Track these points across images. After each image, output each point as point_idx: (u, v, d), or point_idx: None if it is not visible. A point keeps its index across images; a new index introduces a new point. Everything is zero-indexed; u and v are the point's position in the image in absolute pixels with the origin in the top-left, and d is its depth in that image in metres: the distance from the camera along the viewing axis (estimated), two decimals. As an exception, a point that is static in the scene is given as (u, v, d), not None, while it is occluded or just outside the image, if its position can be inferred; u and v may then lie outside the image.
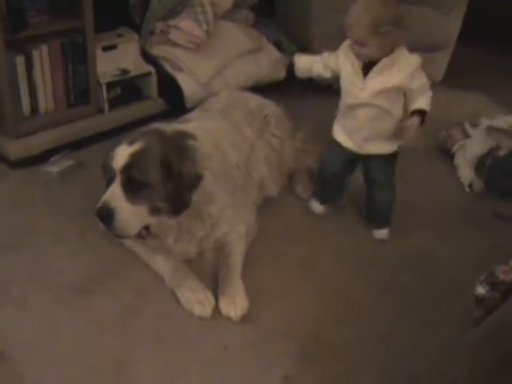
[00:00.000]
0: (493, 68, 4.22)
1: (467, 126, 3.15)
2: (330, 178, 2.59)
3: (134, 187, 2.09)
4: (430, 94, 2.30)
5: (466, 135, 3.11)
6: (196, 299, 2.14)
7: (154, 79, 3.24)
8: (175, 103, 3.24)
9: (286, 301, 2.22)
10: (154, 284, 2.24)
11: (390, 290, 2.30)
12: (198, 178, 2.17)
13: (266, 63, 3.50)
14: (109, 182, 2.13)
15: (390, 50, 2.27)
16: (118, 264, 2.32)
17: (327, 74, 2.46)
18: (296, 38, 3.75)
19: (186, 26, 3.23)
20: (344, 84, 2.39)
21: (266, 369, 1.96)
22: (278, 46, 3.64)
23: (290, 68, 2.54)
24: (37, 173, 2.84)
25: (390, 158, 2.46)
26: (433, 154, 3.20)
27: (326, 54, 2.45)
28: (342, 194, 2.69)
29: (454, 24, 3.82)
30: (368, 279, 2.34)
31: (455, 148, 3.10)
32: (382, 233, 2.57)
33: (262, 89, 3.20)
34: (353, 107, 2.38)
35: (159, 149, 2.12)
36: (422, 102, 2.27)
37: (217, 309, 2.13)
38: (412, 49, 2.31)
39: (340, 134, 2.47)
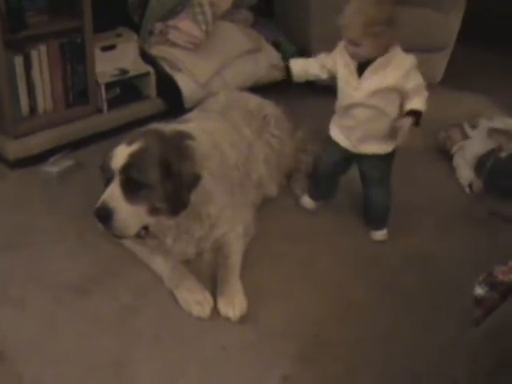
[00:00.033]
0: (492, 68, 4.21)
1: (466, 127, 3.14)
2: (325, 176, 2.60)
3: (132, 187, 2.08)
4: (425, 94, 2.28)
5: (465, 136, 3.10)
6: (194, 299, 2.14)
7: (152, 79, 3.23)
8: (174, 103, 3.24)
9: (285, 301, 2.21)
10: (153, 284, 2.24)
11: (389, 290, 2.30)
12: (197, 178, 2.17)
13: (265, 63, 3.49)
14: (107, 182, 2.13)
15: (384, 50, 2.26)
16: (116, 264, 2.32)
17: (324, 76, 2.46)
18: (295, 38, 3.75)
19: (184, 27, 3.23)
20: (340, 84, 2.39)
21: (266, 369, 1.95)
22: (277, 46, 3.63)
23: (287, 70, 2.54)
24: (35, 173, 2.83)
25: (386, 158, 2.45)
26: (432, 154, 3.20)
27: (322, 55, 2.45)
28: (336, 191, 2.68)
29: (453, 24, 3.80)
30: (368, 279, 2.34)
31: (454, 149, 3.09)
32: (380, 234, 2.56)
33: (261, 89, 3.19)
34: (348, 107, 2.38)
35: (158, 149, 2.12)
36: (417, 103, 2.26)
37: (215, 309, 2.13)
38: (411, 49, 2.29)
39: (337, 134, 2.48)
